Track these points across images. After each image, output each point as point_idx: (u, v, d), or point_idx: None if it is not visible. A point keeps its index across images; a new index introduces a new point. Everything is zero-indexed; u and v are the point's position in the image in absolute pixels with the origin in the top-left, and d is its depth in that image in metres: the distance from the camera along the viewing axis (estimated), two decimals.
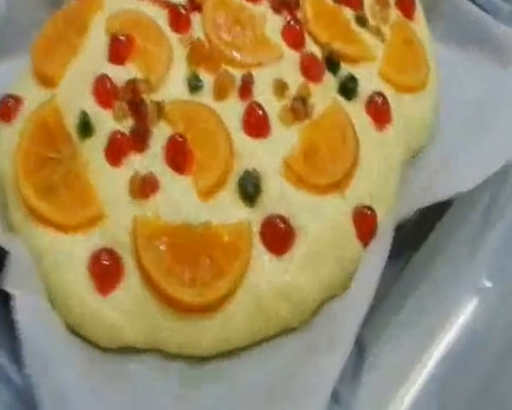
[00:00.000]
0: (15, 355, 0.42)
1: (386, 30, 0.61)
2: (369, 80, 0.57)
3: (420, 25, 0.64)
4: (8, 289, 0.41)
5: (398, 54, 0.60)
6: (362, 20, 0.61)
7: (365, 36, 0.60)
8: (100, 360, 0.45)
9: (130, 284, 0.46)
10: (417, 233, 0.53)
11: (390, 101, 0.57)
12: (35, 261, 0.45)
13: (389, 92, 0.58)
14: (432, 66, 0.61)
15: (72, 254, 0.46)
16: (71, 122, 0.50)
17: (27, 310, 0.41)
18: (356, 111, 0.56)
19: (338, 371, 0.41)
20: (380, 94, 0.56)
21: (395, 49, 0.60)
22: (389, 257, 0.46)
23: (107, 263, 0.45)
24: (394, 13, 0.63)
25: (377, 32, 0.61)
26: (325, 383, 0.41)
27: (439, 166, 0.56)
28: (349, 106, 0.56)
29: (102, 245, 0.46)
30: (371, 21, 0.62)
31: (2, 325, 0.45)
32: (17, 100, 0.52)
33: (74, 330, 0.45)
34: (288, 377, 0.44)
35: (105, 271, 0.45)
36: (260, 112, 0.52)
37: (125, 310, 0.45)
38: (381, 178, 0.53)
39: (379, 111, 0.56)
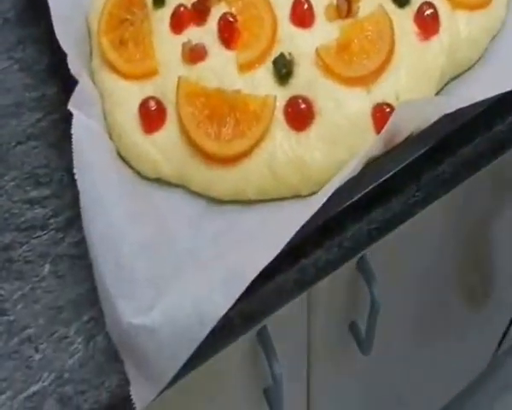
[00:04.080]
0: None
1: None
2: None
3: None
4: (70, 107, 0.54)
5: None
6: None
7: None
8: (137, 182, 0.57)
9: (170, 130, 0.58)
10: None
11: (442, 14, 0.59)
12: (101, 100, 0.58)
13: (443, 6, 0.60)
14: None
15: (128, 97, 0.59)
16: None
17: (82, 127, 0.54)
18: (403, 18, 0.59)
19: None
20: (430, 4, 0.58)
21: None
22: None
23: (154, 108, 0.57)
24: None
25: None
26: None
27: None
28: (398, 13, 0.59)
29: (153, 95, 0.57)
30: None
31: None
32: None
33: (122, 158, 0.58)
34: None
35: (151, 114, 0.57)
36: (306, 5, 0.59)
37: (162, 148, 0.57)
38: (412, 82, 0.57)
39: (425, 21, 0.58)
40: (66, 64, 0.58)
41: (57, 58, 0.63)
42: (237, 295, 0.48)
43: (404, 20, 0.59)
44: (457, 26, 0.60)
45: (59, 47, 0.59)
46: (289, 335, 0.71)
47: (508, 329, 1.19)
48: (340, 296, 0.74)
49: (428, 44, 0.59)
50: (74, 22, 0.62)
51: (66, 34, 0.59)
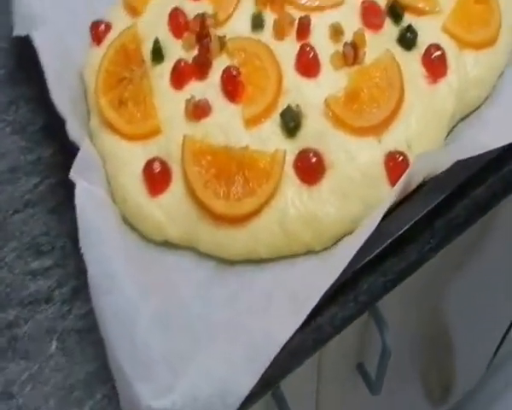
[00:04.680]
0: None
1: None
2: (431, 33, 0.59)
3: None
4: (72, 175, 0.52)
5: (469, 10, 0.60)
6: None
7: None
8: (144, 248, 0.54)
9: (176, 191, 0.55)
10: None
11: (449, 56, 0.58)
12: (103, 163, 0.55)
13: (451, 47, 0.59)
14: (506, 27, 0.60)
15: (130, 159, 0.56)
16: (146, 48, 0.59)
17: (85, 196, 0.52)
18: (410, 61, 0.58)
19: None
20: (437, 47, 0.57)
21: (466, 5, 0.60)
22: None
23: (158, 170, 0.55)
24: None
25: None
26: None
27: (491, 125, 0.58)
28: (405, 56, 0.58)
29: (156, 155, 0.55)
30: None
31: None
32: (107, 26, 0.62)
33: (128, 222, 0.55)
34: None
35: (156, 177, 0.55)
36: (311, 53, 0.57)
37: (169, 211, 0.55)
38: (422, 127, 0.56)
39: (433, 64, 0.57)
40: (62, 123, 0.56)
41: (52, 117, 0.61)
42: (261, 372, 0.46)
43: (411, 64, 0.58)
44: (465, 66, 0.59)
45: (53, 105, 0.57)
46: (300, 382, 0.69)
47: (505, 335, 1.18)
48: (349, 340, 0.72)
49: (437, 87, 0.58)
50: (68, 80, 0.60)
51: (61, 95, 0.56)
